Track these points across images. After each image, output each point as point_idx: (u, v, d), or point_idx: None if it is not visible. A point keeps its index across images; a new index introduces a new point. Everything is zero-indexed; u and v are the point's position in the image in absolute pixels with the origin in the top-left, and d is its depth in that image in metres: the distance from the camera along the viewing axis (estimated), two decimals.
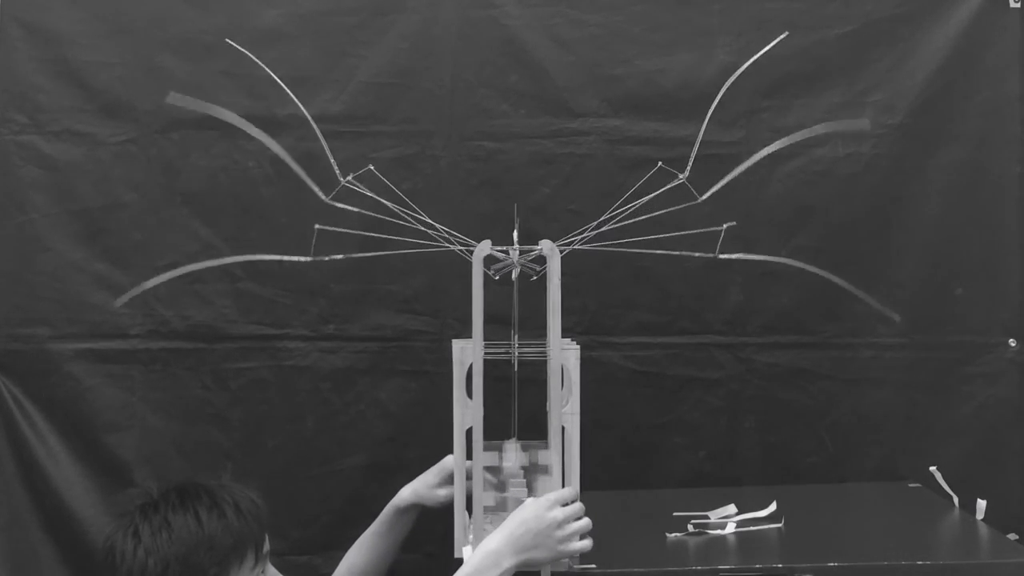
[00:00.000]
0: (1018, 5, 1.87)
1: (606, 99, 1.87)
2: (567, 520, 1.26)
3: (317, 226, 1.40)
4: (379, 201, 1.44)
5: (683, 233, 1.45)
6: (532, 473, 1.39)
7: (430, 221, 1.40)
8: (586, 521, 1.29)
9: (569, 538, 1.26)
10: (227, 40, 1.51)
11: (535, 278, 1.36)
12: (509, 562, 1.22)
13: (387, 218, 1.45)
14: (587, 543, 1.28)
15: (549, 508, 1.25)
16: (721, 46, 1.87)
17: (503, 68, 1.86)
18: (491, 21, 1.86)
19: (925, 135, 1.88)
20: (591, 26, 1.87)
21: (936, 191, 1.88)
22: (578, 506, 1.29)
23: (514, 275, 1.37)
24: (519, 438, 1.44)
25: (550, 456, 1.33)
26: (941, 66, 1.87)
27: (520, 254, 1.34)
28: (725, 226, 1.40)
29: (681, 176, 1.39)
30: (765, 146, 1.86)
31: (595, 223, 1.41)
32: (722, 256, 1.41)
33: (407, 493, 1.52)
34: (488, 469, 1.34)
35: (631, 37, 1.87)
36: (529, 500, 1.28)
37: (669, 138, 1.86)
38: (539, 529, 1.24)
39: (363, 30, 1.86)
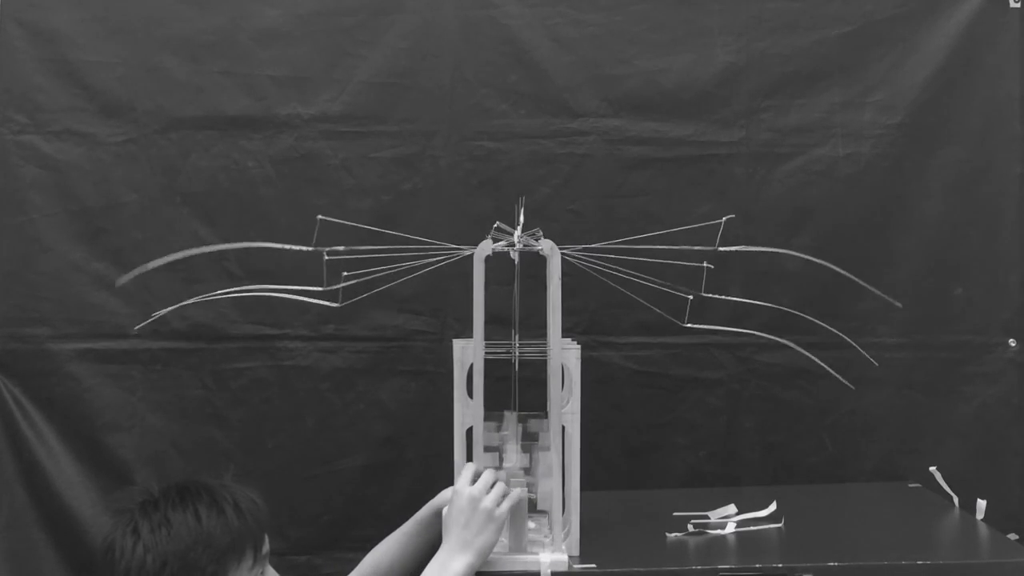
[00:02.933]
0: (1018, 5, 1.87)
1: (606, 99, 1.87)
2: (483, 493, 1.28)
3: (320, 217, 1.39)
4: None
5: (678, 248, 1.45)
6: (532, 449, 1.38)
7: (422, 239, 1.40)
8: (501, 485, 1.30)
9: (494, 506, 1.27)
10: None
11: (540, 250, 1.35)
12: (458, 562, 1.24)
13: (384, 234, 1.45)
14: (515, 492, 1.30)
15: (460, 496, 1.28)
16: (721, 46, 1.87)
17: (503, 68, 1.86)
18: (491, 21, 1.86)
19: (925, 135, 1.88)
20: (591, 26, 1.87)
21: (936, 191, 1.88)
22: (489, 474, 1.30)
23: (515, 256, 1.36)
24: (519, 412, 1.43)
25: (550, 457, 1.33)
26: (941, 66, 1.87)
27: (521, 239, 1.34)
28: (724, 219, 1.40)
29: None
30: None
31: (606, 243, 1.40)
32: (722, 249, 1.41)
33: (449, 494, 1.49)
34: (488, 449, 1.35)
35: (631, 37, 1.87)
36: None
37: (669, 138, 1.87)
38: (465, 519, 1.26)
39: (363, 30, 1.86)
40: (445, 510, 1.30)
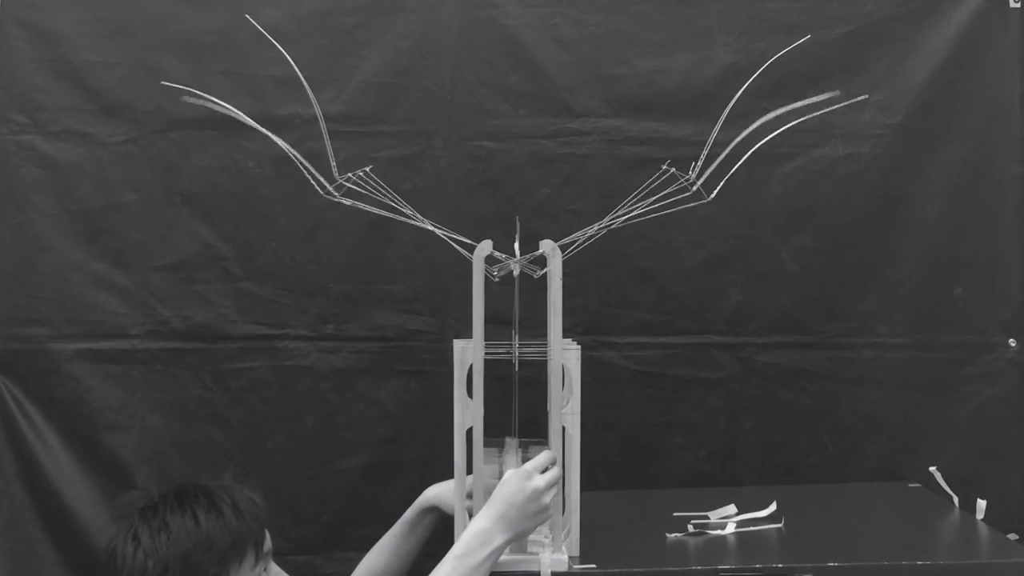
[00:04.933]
0: (1018, 5, 1.87)
1: (606, 99, 1.87)
2: (548, 487, 1.28)
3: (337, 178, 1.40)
4: (379, 199, 1.46)
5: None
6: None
7: (430, 224, 1.40)
8: (553, 472, 1.30)
9: (550, 504, 1.28)
10: (247, 17, 1.51)
11: (538, 276, 1.36)
12: (500, 539, 1.24)
13: (389, 214, 1.45)
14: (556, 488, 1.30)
15: (528, 478, 1.27)
16: (721, 46, 1.87)
17: (503, 68, 1.86)
18: (491, 21, 1.86)
19: (925, 135, 1.88)
20: (591, 26, 1.87)
21: (936, 191, 1.88)
22: (557, 471, 1.31)
23: (515, 272, 1.37)
24: (519, 438, 1.43)
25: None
26: (941, 66, 1.87)
27: (521, 259, 1.34)
28: (708, 165, 1.40)
29: (689, 178, 1.39)
30: (764, 146, 1.88)
31: (598, 225, 1.40)
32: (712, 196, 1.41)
33: (431, 493, 1.52)
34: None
35: (631, 37, 1.87)
36: (509, 473, 1.29)
37: (669, 138, 1.86)
38: (523, 502, 1.26)
39: (363, 30, 1.86)
40: (507, 474, 1.29)
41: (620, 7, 1.87)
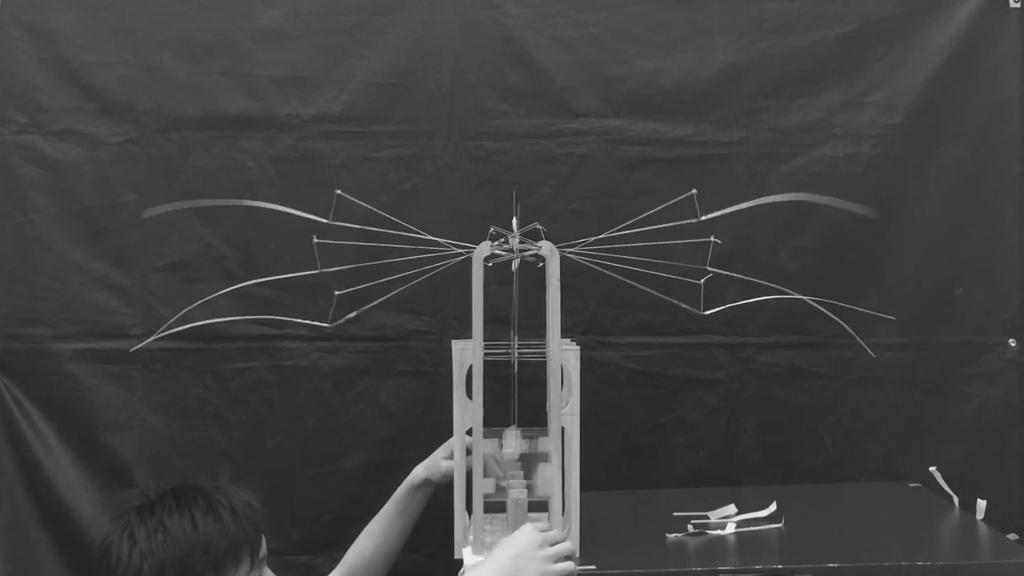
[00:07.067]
0: (1018, 5, 1.87)
1: (606, 99, 1.87)
2: (548, 541, 1.27)
3: (316, 240, 1.40)
4: (374, 216, 1.46)
5: (680, 242, 1.45)
6: (531, 461, 1.39)
7: (425, 236, 1.40)
8: (568, 544, 1.30)
9: (552, 557, 1.26)
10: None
11: (540, 265, 1.35)
12: None
13: (383, 232, 1.45)
14: (570, 565, 1.28)
15: (530, 532, 1.27)
16: (721, 46, 1.87)
17: (503, 68, 1.86)
18: (491, 21, 1.86)
19: (925, 135, 1.88)
20: (591, 26, 1.87)
21: (936, 191, 1.88)
22: (559, 533, 1.30)
23: (514, 266, 1.37)
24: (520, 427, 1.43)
25: (550, 457, 1.33)
26: (941, 66, 1.87)
27: (520, 241, 1.34)
28: (712, 238, 1.40)
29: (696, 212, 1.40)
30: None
31: (596, 238, 1.40)
32: (707, 312, 1.46)
33: (420, 469, 1.54)
34: (488, 456, 1.35)
35: (631, 37, 1.87)
36: (526, 526, 1.29)
37: (669, 138, 1.86)
38: (520, 551, 1.24)
39: (363, 30, 1.86)
40: (524, 526, 1.29)
41: (620, 7, 1.87)
